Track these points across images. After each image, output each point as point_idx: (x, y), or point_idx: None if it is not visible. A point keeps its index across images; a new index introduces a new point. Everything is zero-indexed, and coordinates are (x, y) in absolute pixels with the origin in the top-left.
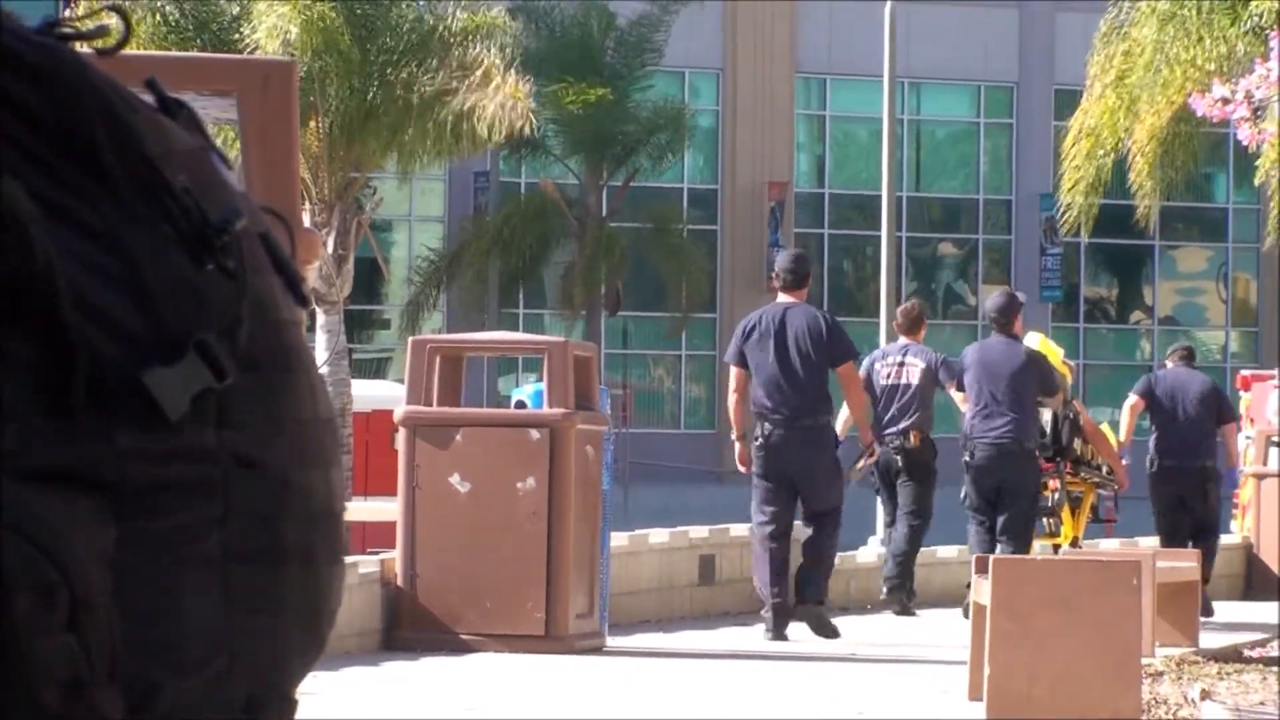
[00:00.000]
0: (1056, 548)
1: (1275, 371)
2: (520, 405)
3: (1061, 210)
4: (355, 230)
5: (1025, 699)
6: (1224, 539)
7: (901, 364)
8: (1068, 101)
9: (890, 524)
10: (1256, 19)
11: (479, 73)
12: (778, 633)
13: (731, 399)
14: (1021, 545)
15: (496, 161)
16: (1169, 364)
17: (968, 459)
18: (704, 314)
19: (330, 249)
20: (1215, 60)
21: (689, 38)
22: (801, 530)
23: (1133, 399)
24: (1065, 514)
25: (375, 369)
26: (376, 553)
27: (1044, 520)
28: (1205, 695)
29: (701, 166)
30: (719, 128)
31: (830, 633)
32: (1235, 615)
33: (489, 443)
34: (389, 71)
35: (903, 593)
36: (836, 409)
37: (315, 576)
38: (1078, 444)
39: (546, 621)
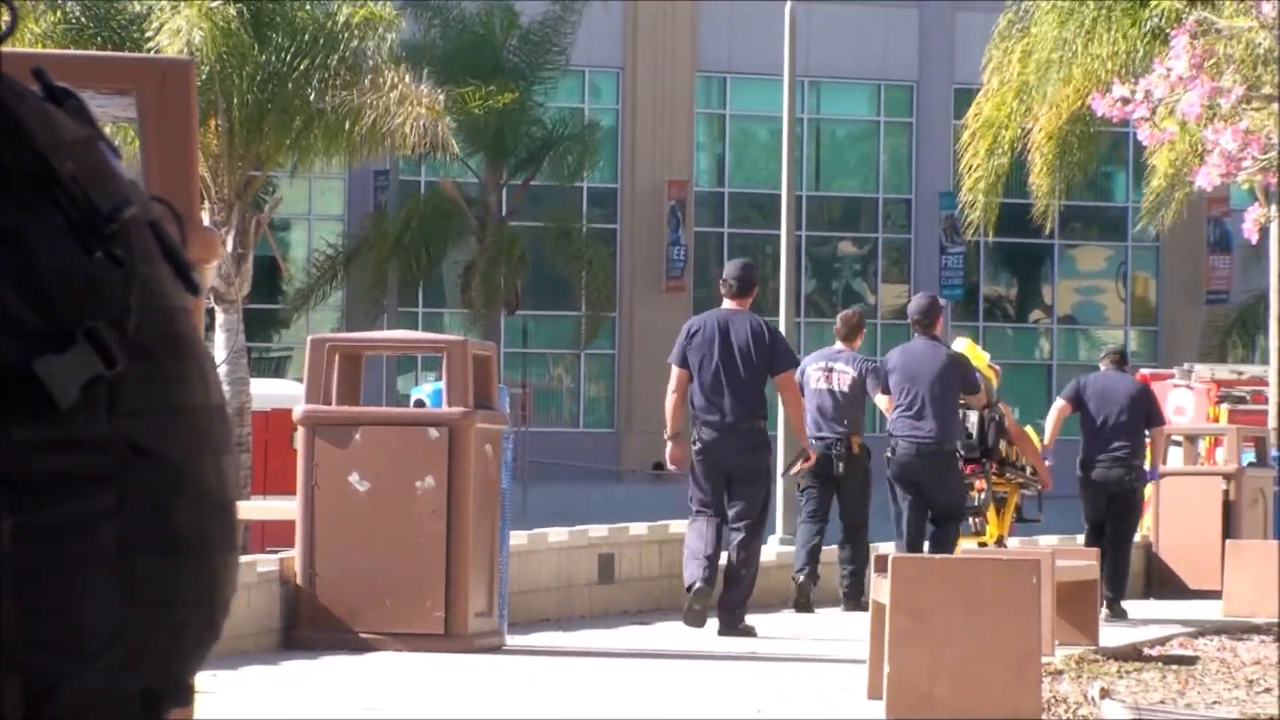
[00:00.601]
0: (983, 545)
1: (1175, 371)
2: (419, 404)
3: (963, 209)
4: (254, 229)
5: (925, 697)
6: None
7: (831, 370)
8: (967, 100)
9: (812, 517)
10: (1157, 19)
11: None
12: (696, 621)
13: (671, 399)
14: (948, 540)
15: (396, 161)
16: (1101, 367)
17: (889, 454)
18: (604, 313)
19: (229, 248)
20: (1115, 60)
21: (590, 37)
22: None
23: (1060, 402)
24: (990, 513)
25: (274, 368)
26: (276, 552)
27: (970, 520)
28: (1105, 694)
29: (602, 165)
30: (619, 127)
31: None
32: (1135, 614)
33: (388, 441)
34: (289, 71)
35: (810, 586)
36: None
37: (210, 566)
38: (1003, 445)
39: (446, 620)
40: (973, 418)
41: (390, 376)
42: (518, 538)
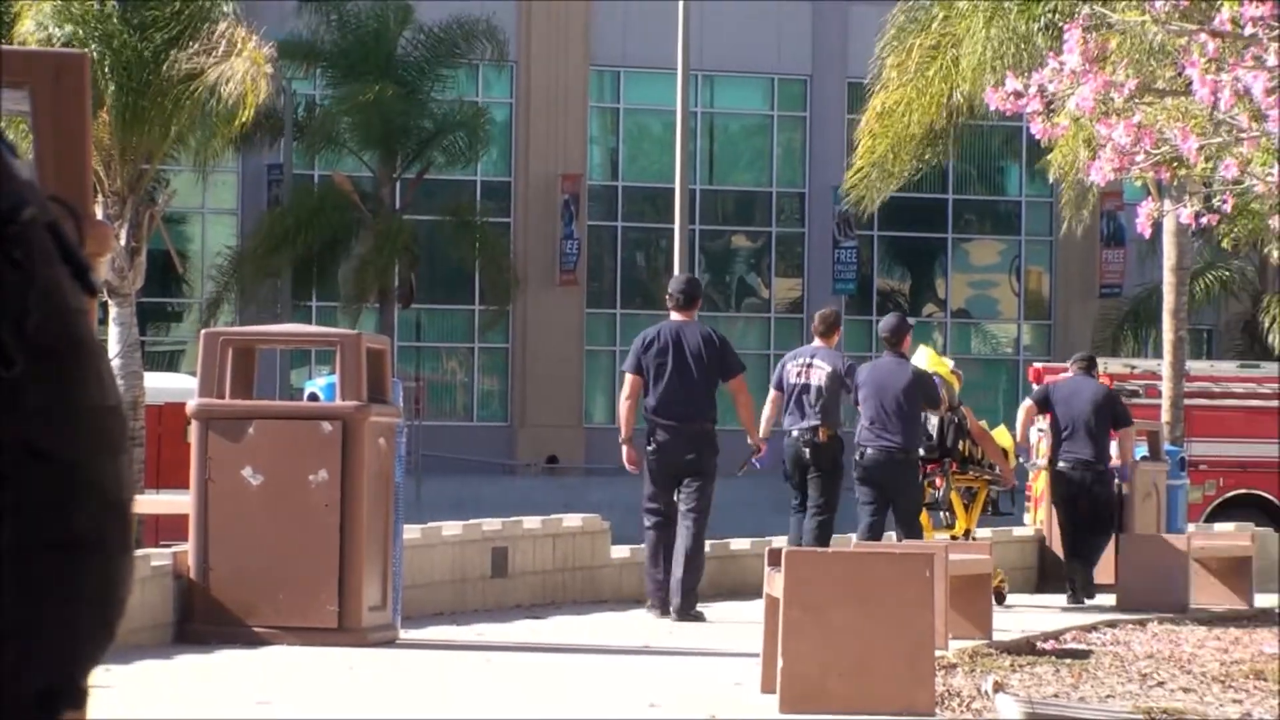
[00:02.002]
0: (954, 538)
1: (1068, 364)
2: (313, 398)
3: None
4: (148, 223)
5: (819, 691)
6: (1016, 531)
7: (809, 365)
8: (861, 94)
9: (798, 511)
10: (1050, 13)
11: (223, 43)
12: (662, 610)
13: (625, 404)
14: (913, 530)
15: (290, 154)
16: (1070, 371)
17: (858, 458)
18: (498, 306)
19: (122, 241)
20: (1008, 54)
21: (489, 49)
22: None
23: (1027, 403)
24: (958, 507)
25: (168, 362)
26: (169, 545)
27: (941, 514)
28: (998, 687)
29: (495, 159)
30: (512, 120)
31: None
32: (1027, 606)
33: (282, 435)
34: (160, 56)
35: None
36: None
37: (107, 565)
38: (966, 445)
39: (339, 614)
40: (934, 420)
41: (283, 370)
42: (411, 531)
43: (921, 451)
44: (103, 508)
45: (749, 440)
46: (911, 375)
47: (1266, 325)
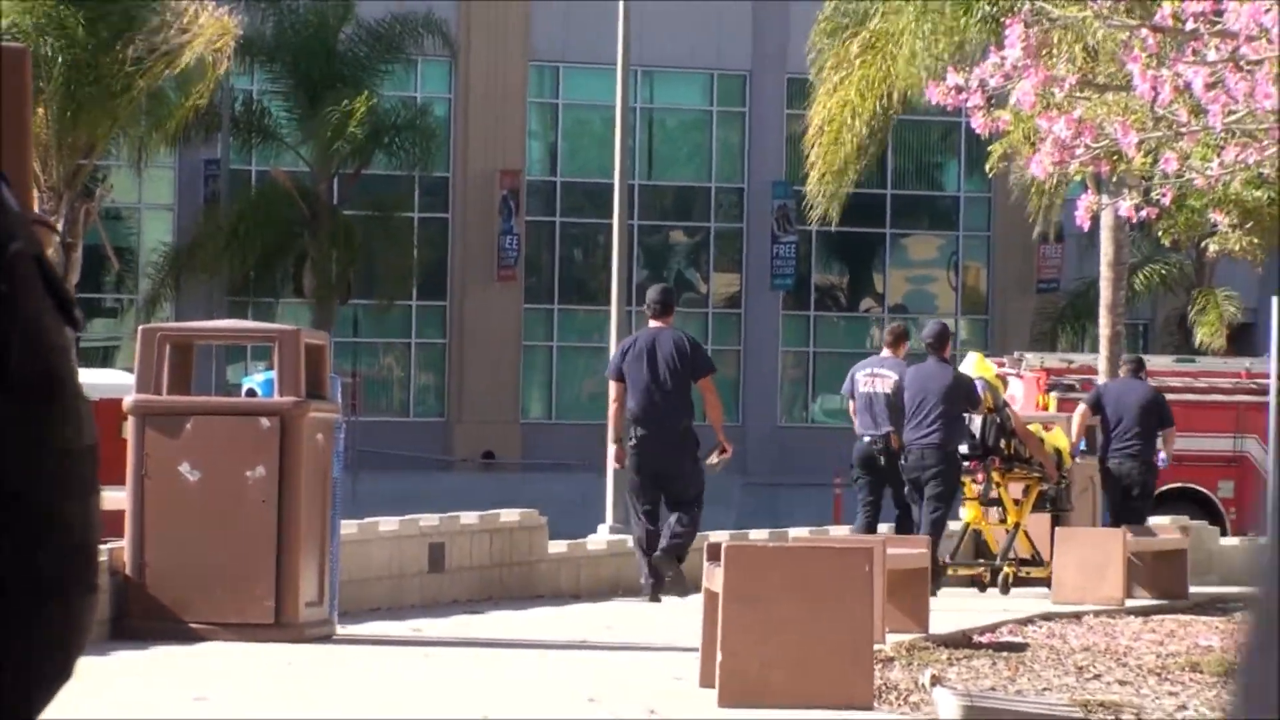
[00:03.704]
0: (1008, 532)
1: (1005, 359)
2: (251, 394)
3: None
4: (84, 218)
5: (758, 685)
6: (953, 525)
7: (875, 375)
8: (800, 90)
9: (866, 506)
10: (989, 8)
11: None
12: (653, 595)
13: (612, 408)
14: (944, 511)
15: (227, 149)
16: (1121, 374)
17: (903, 460)
18: (435, 301)
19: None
20: (949, 49)
21: (430, 40)
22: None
23: (1082, 408)
24: (1008, 503)
25: (103, 358)
26: (105, 542)
27: (992, 509)
28: (936, 681)
29: (434, 154)
30: (451, 116)
31: (682, 590)
32: (964, 602)
33: (219, 431)
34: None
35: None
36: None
37: (67, 608)
38: (1012, 444)
39: (276, 610)
40: (977, 421)
41: (220, 366)
42: (348, 527)
43: (965, 450)
44: (70, 549)
45: (716, 438)
46: (952, 378)
47: (1193, 320)
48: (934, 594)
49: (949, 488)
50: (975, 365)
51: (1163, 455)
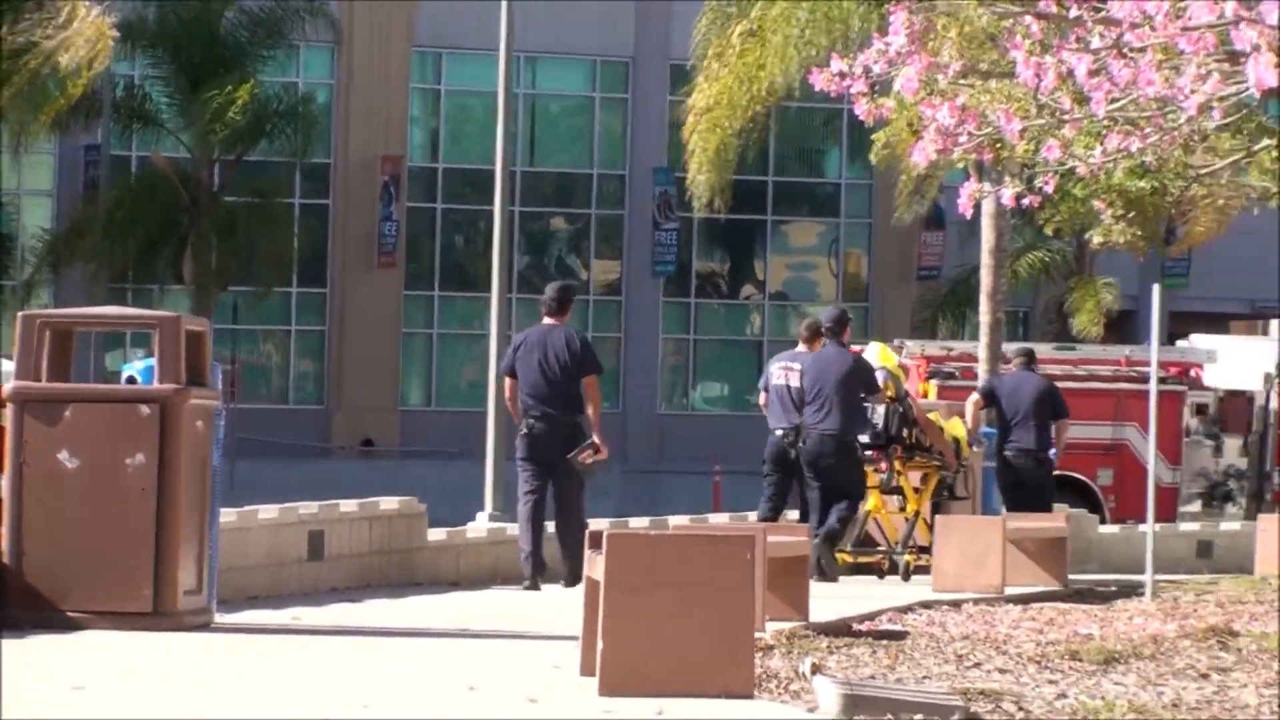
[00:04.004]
0: (907, 520)
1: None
2: (131, 381)
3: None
4: None
5: (639, 674)
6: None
7: (790, 369)
8: (683, 77)
9: (769, 500)
10: None
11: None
12: (533, 584)
13: (510, 404)
14: (853, 504)
15: (108, 135)
16: (1013, 365)
17: (802, 444)
18: (315, 288)
19: None
20: (830, 35)
21: (314, 25)
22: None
23: (975, 397)
24: (909, 491)
25: None
26: None
27: (892, 497)
28: (816, 669)
29: (315, 141)
30: (333, 102)
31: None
32: (843, 588)
33: (99, 418)
34: None
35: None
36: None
37: None
38: (914, 433)
39: (155, 598)
40: (880, 410)
41: (100, 354)
42: (227, 515)
43: (867, 438)
44: None
45: (593, 436)
46: (851, 363)
47: (1070, 308)
48: (834, 579)
49: (854, 479)
50: (878, 355)
51: (1053, 451)
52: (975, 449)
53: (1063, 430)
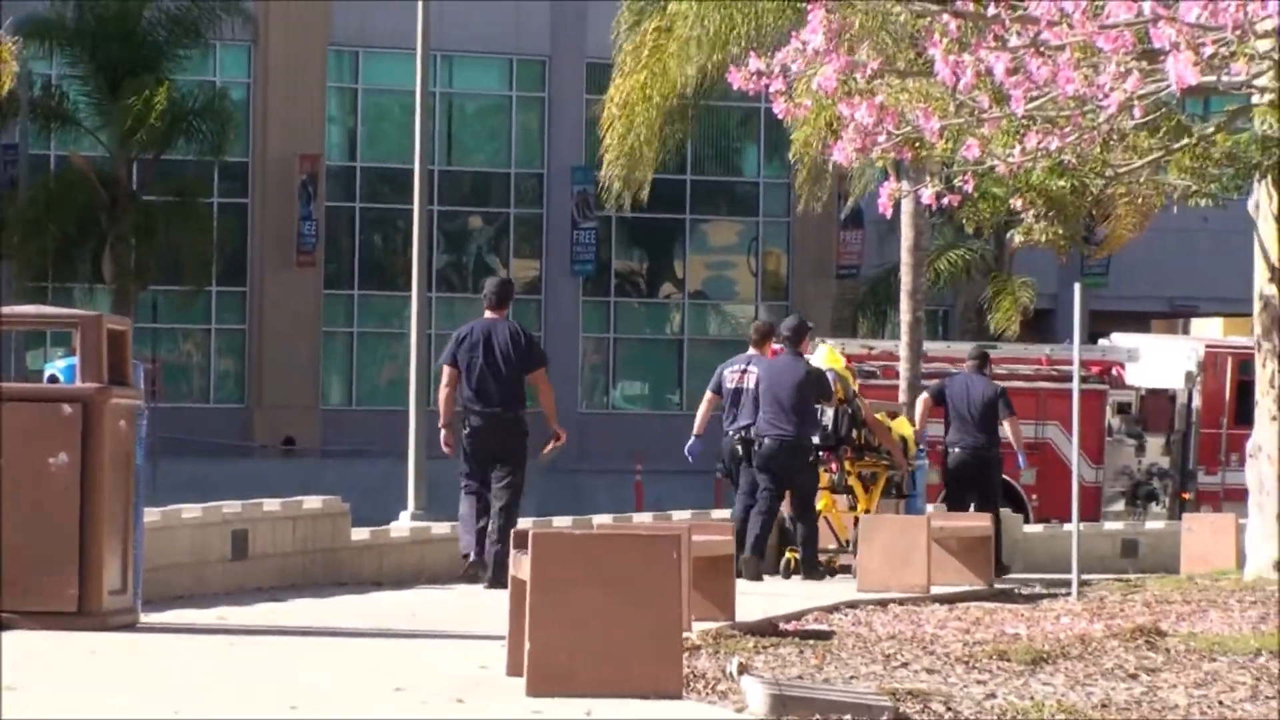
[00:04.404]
0: (856, 520)
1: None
2: (53, 380)
3: (604, 185)
4: None
5: (566, 674)
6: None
7: (743, 372)
8: (599, 75)
9: (743, 495)
10: None
11: None
12: (473, 578)
13: (444, 393)
14: (808, 514)
15: (26, 135)
16: (964, 368)
17: (756, 448)
18: (234, 287)
19: None
20: (746, 34)
21: (231, 24)
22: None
23: (924, 397)
24: (859, 490)
25: None
26: None
27: (843, 496)
28: (743, 669)
29: (232, 139)
30: (250, 101)
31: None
32: (769, 589)
33: (21, 418)
34: None
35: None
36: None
37: None
38: (863, 434)
39: (80, 598)
40: (830, 412)
41: (20, 353)
42: (151, 514)
43: (818, 440)
44: None
45: (549, 427)
46: (805, 371)
47: (989, 307)
48: (821, 577)
49: (809, 484)
50: (826, 357)
51: (1020, 457)
52: (922, 448)
53: (1015, 428)
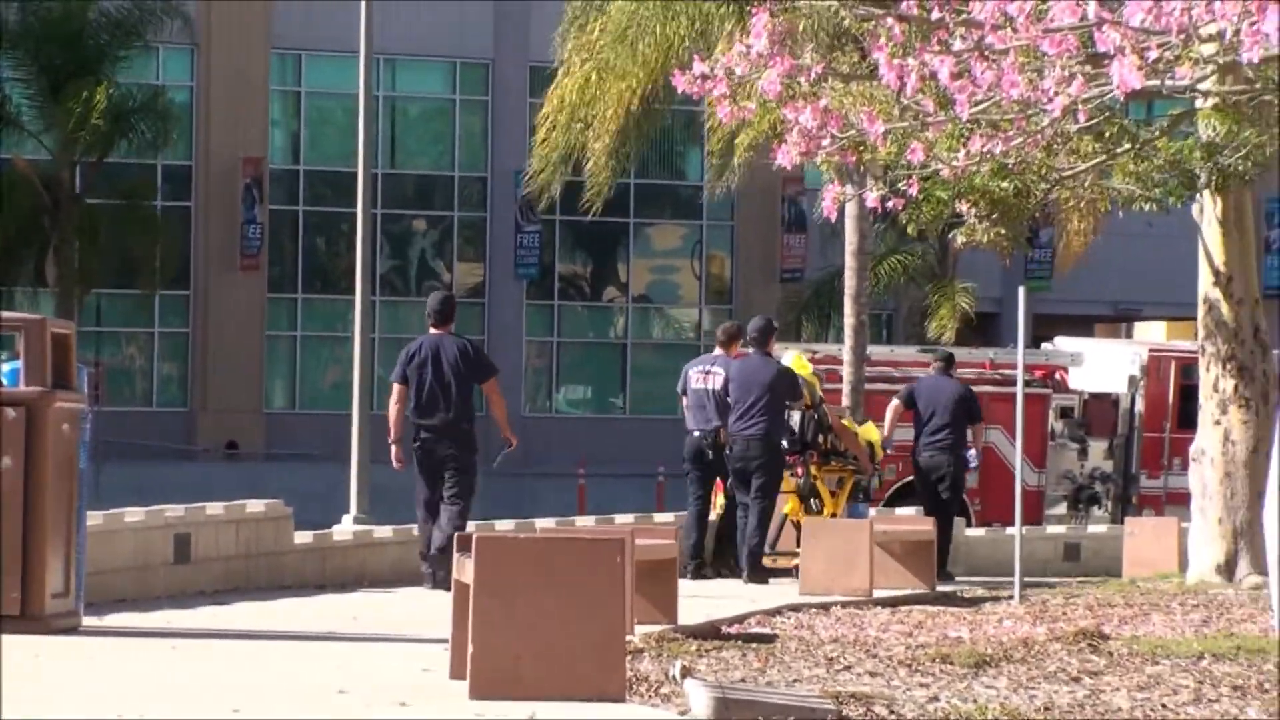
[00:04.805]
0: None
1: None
2: None
3: (530, 179)
4: None
5: (510, 677)
6: None
7: (708, 373)
8: (543, 79)
9: (698, 500)
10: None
11: None
12: (434, 584)
13: (394, 410)
14: (768, 505)
15: None
16: (931, 370)
17: (728, 450)
18: (178, 291)
19: None
20: (690, 37)
21: (171, 27)
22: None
23: (895, 402)
24: (825, 494)
25: None
26: None
27: (810, 500)
28: (686, 672)
29: (175, 142)
30: (193, 104)
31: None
32: (712, 591)
33: None
34: None
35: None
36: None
37: None
38: (829, 438)
39: (22, 601)
40: (796, 416)
41: None
42: (94, 518)
43: (784, 444)
44: None
45: (502, 435)
46: (776, 371)
47: (931, 311)
48: (765, 582)
49: (772, 479)
50: (793, 364)
51: (972, 452)
52: (889, 451)
53: (979, 434)
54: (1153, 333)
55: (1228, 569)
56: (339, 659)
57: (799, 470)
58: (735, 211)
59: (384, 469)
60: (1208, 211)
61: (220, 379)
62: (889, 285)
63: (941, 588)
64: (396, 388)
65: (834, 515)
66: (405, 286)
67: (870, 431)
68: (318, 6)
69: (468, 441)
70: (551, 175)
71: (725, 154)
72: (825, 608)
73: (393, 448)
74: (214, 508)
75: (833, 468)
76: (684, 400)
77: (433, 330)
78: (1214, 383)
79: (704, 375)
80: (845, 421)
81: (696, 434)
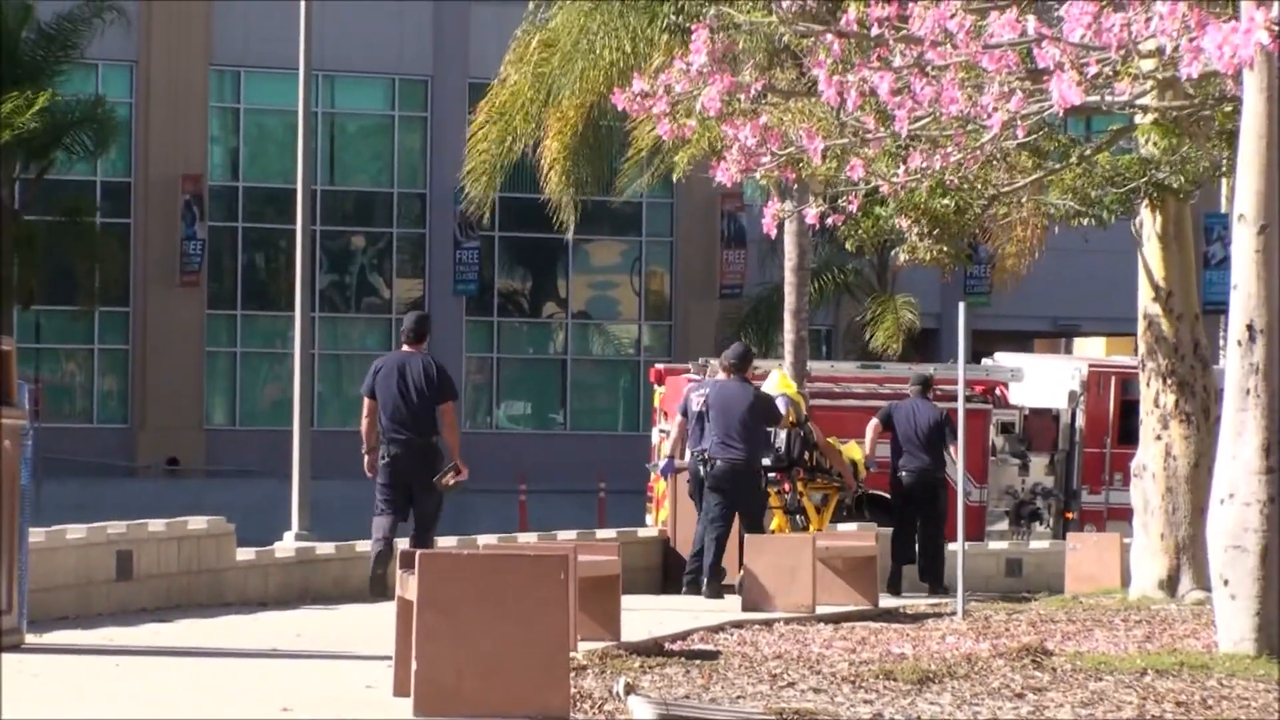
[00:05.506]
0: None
1: (689, 365)
2: None
3: (464, 191)
4: None
5: (453, 694)
6: (641, 532)
7: (707, 397)
8: (482, 95)
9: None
10: (673, 18)
11: None
12: (379, 588)
13: (365, 422)
14: (756, 526)
15: None
16: (909, 394)
17: (709, 470)
18: (118, 307)
19: None
20: (634, 55)
21: (103, 29)
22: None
23: (874, 422)
24: (810, 511)
25: None
26: None
27: (795, 517)
28: (630, 689)
29: (115, 159)
30: (132, 120)
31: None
32: (654, 607)
33: None
34: None
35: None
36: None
37: None
38: (814, 456)
39: None
40: (781, 435)
41: None
42: (35, 535)
43: (769, 462)
44: None
45: (451, 458)
46: (753, 396)
47: (870, 325)
48: (722, 596)
49: (759, 507)
50: (779, 383)
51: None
52: (873, 470)
53: (955, 455)
54: (1091, 348)
55: (1170, 584)
56: (282, 676)
57: (785, 487)
58: (674, 227)
59: (326, 485)
60: (1147, 227)
61: (160, 395)
62: (824, 300)
63: (934, 600)
64: (366, 401)
65: (819, 530)
66: (345, 303)
67: (854, 450)
68: (257, 23)
69: (432, 454)
70: (486, 188)
71: (647, 164)
72: (768, 624)
73: (365, 457)
74: (156, 524)
75: (818, 484)
76: (679, 422)
77: (405, 347)
78: (1155, 398)
79: (703, 400)
80: (830, 439)
81: (695, 456)
